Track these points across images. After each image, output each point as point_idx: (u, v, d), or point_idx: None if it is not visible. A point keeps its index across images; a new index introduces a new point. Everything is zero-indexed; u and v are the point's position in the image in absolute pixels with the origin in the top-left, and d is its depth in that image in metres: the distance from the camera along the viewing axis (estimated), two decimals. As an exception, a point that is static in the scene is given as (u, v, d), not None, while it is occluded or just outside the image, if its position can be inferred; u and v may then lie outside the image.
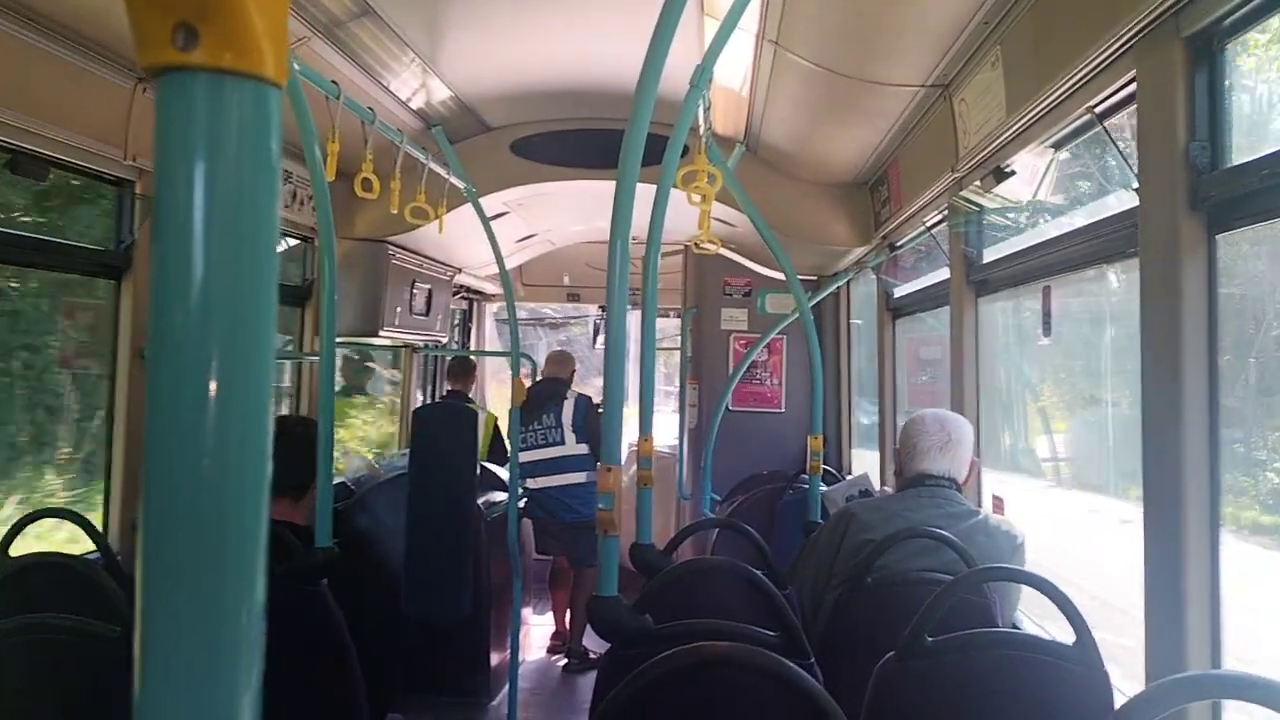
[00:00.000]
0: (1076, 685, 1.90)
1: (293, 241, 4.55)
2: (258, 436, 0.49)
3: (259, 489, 0.49)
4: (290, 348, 4.80)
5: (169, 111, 0.47)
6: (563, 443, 5.91)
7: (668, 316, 7.73)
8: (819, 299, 5.41)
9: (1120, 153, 2.16)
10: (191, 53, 0.46)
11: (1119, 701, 1.86)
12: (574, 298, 8.14)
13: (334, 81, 2.92)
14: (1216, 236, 1.86)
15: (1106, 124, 2.24)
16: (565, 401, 5.98)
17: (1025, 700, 1.94)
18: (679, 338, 6.85)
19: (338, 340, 4.41)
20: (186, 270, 0.46)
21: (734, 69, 3.81)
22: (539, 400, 5.95)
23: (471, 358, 6.87)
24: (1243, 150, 1.84)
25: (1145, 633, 2.02)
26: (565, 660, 5.93)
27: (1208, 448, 1.85)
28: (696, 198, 3.06)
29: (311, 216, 4.06)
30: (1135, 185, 2.05)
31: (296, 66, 2.51)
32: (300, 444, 2.72)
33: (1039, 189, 2.92)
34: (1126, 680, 2.12)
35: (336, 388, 6.35)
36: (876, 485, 4.58)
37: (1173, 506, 1.89)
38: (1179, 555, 1.87)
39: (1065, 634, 1.95)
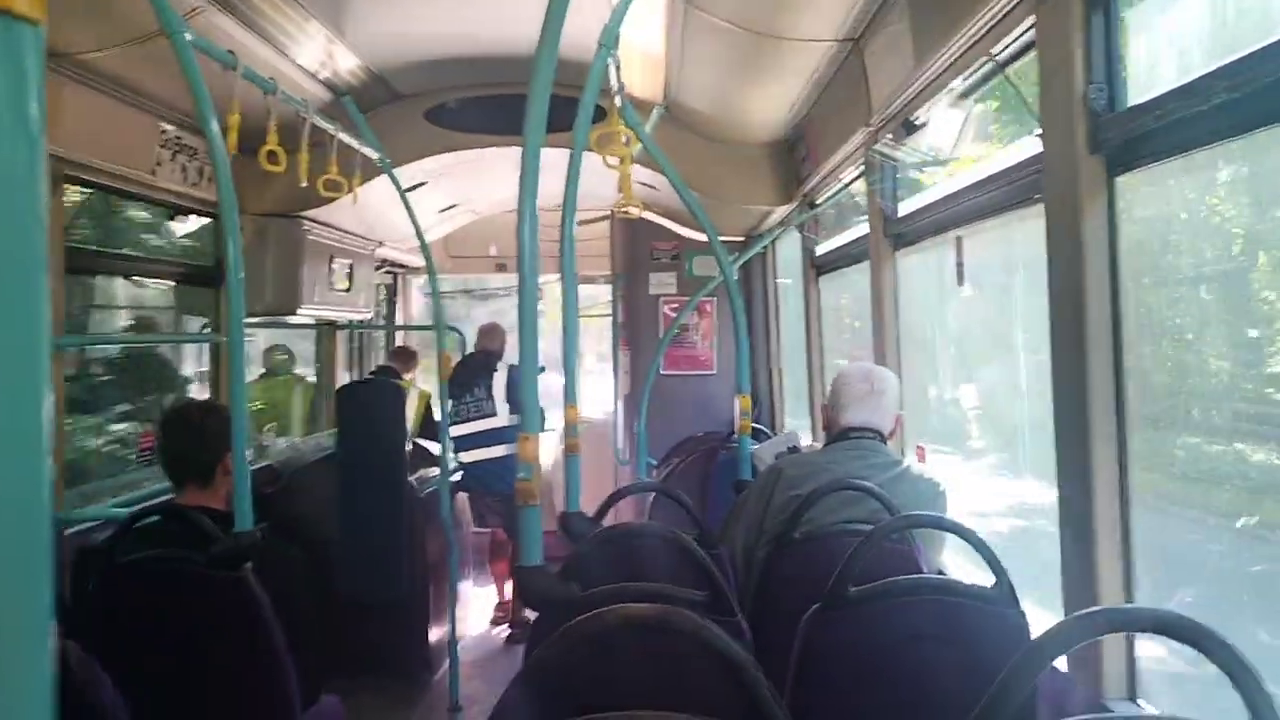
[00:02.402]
0: (996, 625, 1.94)
1: (203, 220, 4.42)
2: (30, 426, 0.44)
3: (37, 486, 0.45)
4: (207, 330, 4.68)
5: None
6: (495, 414, 5.88)
7: (597, 283, 7.70)
8: (745, 259, 5.42)
9: (1024, 99, 2.18)
10: None
11: (1037, 639, 1.90)
12: (502, 268, 8.05)
13: (231, 52, 2.83)
14: (1116, 178, 1.89)
15: (1009, 71, 2.25)
16: (496, 373, 5.94)
17: (948, 642, 1.97)
18: (610, 304, 6.82)
19: (251, 321, 4.31)
20: None
21: (650, 31, 3.77)
22: (470, 373, 5.91)
23: (415, 349, 6.83)
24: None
25: (1061, 569, 2.07)
26: (509, 631, 5.93)
27: (1113, 383, 1.89)
28: (614, 161, 3.03)
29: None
30: (1038, 131, 2.08)
31: (189, 37, 2.43)
32: (195, 430, 2.66)
33: (957, 141, 2.94)
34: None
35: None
36: (806, 441, 4.63)
37: (1082, 442, 1.92)
38: (1089, 492, 1.91)
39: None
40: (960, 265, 2.79)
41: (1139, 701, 1.92)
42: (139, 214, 4.39)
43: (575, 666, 1.46)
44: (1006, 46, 2.23)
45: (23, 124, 0.41)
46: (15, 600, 0.44)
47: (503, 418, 5.90)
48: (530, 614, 5.76)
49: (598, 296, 7.95)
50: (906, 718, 1.96)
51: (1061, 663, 2.05)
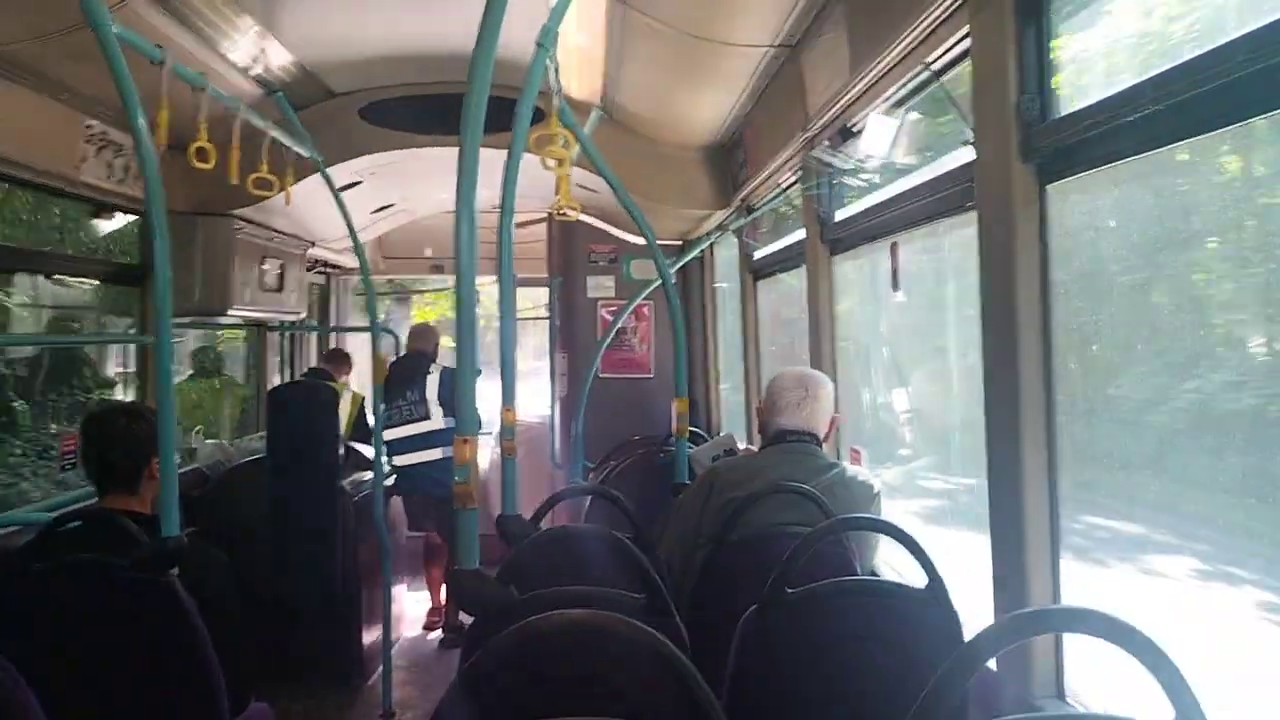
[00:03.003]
0: (929, 625, 1.97)
1: (130, 217, 4.30)
2: None
3: None
4: (134, 330, 4.56)
5: None
6: (428, 417, 5.82)
7: (538, 286, 7.68)
8: (683, 263, 5.44)
9: (958, 108, 2.22)
10: None
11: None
12: (438, 270, 7.97)
13: (159, 46, 2.76)
14: (1047, 187, 1.93)
15: (944, 80, 2.29)
16: (429, 376, 5.88)
17: (882, 642, 1.99)
18: (548, 307, 6.78)
19: (179, 321, 4.21)
20: None
21: (589, 32, 3.76)
22: (403, 375, 5.84)
23: (349, 352, 6.73)
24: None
25: (992, 571, 2.11)
26: (443, 636, 5.87)
27: (1043, 387, 1.93)
28: (552, 162, 3.01)
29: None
30: (971, 140, 2.11)
31: (116, 30, 2.36)
32: (118, 433, 2.58)
33: (893, 148, 2.97)
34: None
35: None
36: (743, 444, 4.65)
37: (1013, 448, 1.96)
38: (1019, 497, 1.95)
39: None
40: (895, 271, 2.82)
41: (1068, 699, 1.95)
42: (63, 209, 4.26)
43: (512, 671, 1.45)
44: (941, 55, 2.26)
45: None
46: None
47: (435, 421, 5.84)
48: (466, 618, 5.71)
49: (537, 299, 7.91)
50: (842, 717, 1.98)
51: (991, 661, 2.09)
